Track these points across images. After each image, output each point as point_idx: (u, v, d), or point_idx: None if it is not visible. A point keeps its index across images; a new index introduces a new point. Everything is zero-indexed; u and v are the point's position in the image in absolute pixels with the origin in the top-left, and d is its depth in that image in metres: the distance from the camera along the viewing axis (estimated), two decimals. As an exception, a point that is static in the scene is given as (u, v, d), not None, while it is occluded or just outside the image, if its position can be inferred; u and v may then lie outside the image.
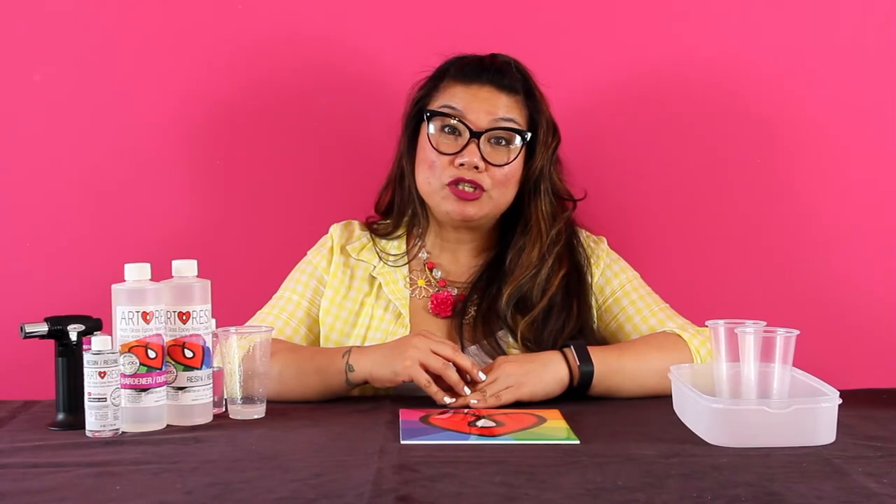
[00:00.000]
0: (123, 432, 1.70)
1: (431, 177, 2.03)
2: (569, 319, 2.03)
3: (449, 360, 1.84)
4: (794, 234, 2.40)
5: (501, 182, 2.02)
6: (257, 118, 2.38)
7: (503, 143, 2.03)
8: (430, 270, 2.11)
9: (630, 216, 2.37)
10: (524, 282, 2.03)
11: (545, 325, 2.01)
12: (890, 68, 2.38)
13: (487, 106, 2.02)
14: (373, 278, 2.09)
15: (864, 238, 2.40)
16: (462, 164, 1.99)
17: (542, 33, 2.36)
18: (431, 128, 2.03)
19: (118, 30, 2.35)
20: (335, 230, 2.14)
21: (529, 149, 2.06)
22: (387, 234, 2.12)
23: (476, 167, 1.99)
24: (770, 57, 2.38)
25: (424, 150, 2.04)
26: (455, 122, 2.01)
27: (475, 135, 2.00)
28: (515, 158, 2.02)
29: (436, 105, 2.05)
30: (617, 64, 2.38)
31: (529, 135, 2.04)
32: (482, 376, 1.87)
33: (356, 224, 2.16)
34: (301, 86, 2.38)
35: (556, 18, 2.37)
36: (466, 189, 2.00)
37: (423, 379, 1.83)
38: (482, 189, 2.01)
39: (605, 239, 2.16)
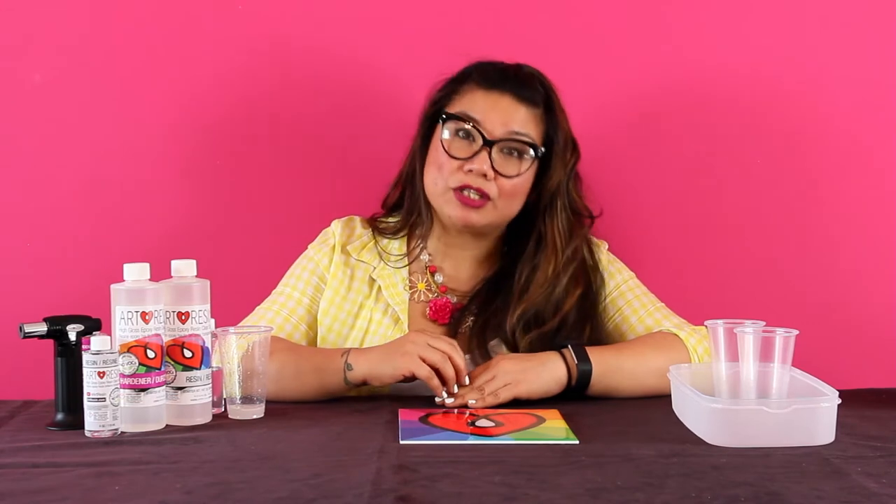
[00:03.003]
0: (123, 432, 1.70)
1: (439, 178, 2.01)
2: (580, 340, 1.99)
3: (446, 355, 1.84)
4: (794, 234, 2.40)
5: (508, 193, 2.01)
6: (257, 118, 2.37)
7: (515, 154, 2.01)
8: (433, 275, 2.11)
9: (629, 215, 2.37)
10: (538, 300, 2.01)
11: (553, 346, 1.98)
12: (890, 69, 2.38)
13: (504, 116, 2.00)
14: (372, 280, 2.09)
15: (864, 238, 2.40)
16: (471, 171, 1.98)
17: (547, 39, 2.36)
18: (446, 131, 2.01)
19: (118, 30, 2.35)
20: (336, 227, 2.13)
21: (545, 163, 2.04)
22: (391, 233, 2.11)
23: (484, 175, 1.98)
24: (768, 56, 2.38)
25: (436, 152, 2.03)
26: (470, 127, 2.00)
27: (488, 143, 1.99)
28: (526, 171, 2.01)
29: (454, 108, 2.03)
30: (618, 66, 2.38)
31: (542, 150, 2.02)
32: (467, 381, 1.87)
33: (358, 220, 2.15)
34: (301, 86, 2.38)
35: (562, 25, 2.37)
36: (472, 196, 1.99)
37: (425, 371, 1.83)
38: (488, 197, 1.99)
39: (605, 243, 2.15)
